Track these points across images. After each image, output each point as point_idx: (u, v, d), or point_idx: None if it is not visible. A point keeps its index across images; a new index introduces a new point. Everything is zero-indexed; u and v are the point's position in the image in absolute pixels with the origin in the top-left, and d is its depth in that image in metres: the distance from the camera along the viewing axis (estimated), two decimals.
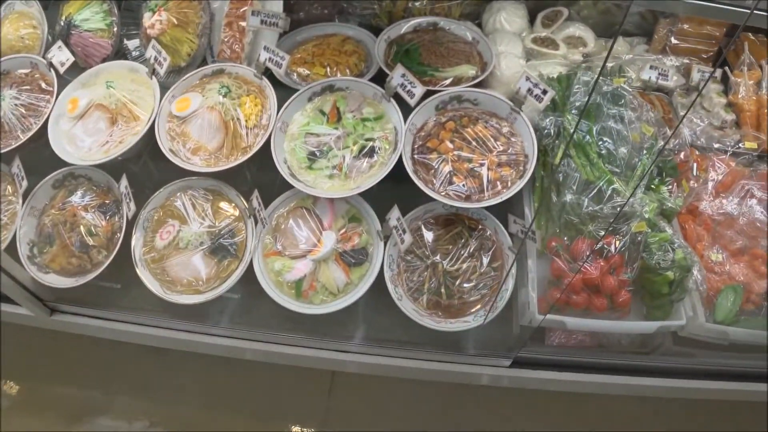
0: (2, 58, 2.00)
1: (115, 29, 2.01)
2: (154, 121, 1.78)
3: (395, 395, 2.13)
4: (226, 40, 1.92)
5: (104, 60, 2.00)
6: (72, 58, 1.89)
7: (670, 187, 1.71)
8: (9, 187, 1.93)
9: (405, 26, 1.98)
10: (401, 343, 1.79)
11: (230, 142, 1.76)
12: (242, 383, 2.17)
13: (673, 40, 2.05)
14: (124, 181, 1.75)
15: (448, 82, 1.83)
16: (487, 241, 1.75)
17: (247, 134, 1.75)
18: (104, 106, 1.83)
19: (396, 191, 1.69)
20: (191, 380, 2.22)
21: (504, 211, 1.72)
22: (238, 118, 1.76)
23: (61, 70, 1.88)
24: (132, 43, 2.09)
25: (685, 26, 2.03)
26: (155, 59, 1.82)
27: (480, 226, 1.77)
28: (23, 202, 1.88)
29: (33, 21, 2.07)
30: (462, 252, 1.73)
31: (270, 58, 1.76)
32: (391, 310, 1.69)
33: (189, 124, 1.79)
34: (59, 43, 1.91)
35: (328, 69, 1.88)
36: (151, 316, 1.88)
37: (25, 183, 1.84)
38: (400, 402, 2.12)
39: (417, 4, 1.99)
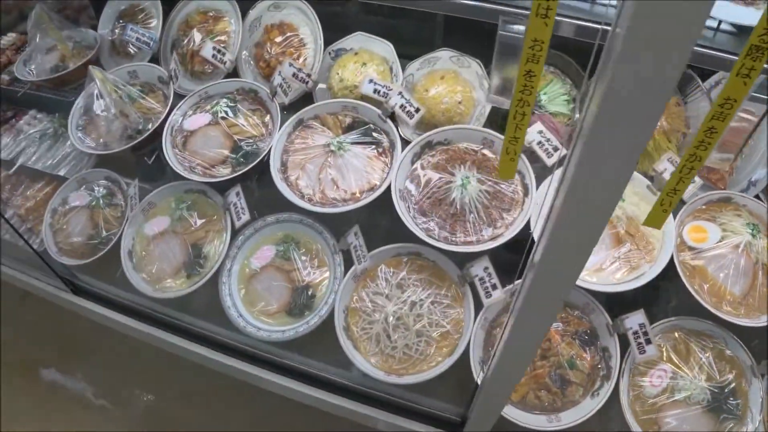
0: (450, 127, 1.67)
1: (577, 116, 1.74)
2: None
3: None
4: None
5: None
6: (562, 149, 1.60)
7: None
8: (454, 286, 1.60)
9: None
10: None
11: (756, 292, 1.53)
12: None
13: None
14: (639, 317, 1.48)
15: None
16: None
17: None
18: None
19: None
20: None
21: None
22: None
23: (549, 162, 1.59)
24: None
25: None
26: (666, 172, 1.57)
27: None
28: (477, 315, 1.56)
29: (468, 86, 1.76)
30: None
31: None
32: None
33: (706, 259, 1.55)
34: (539, 125, 1.62)
35: None
36: None
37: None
38: None
39: None
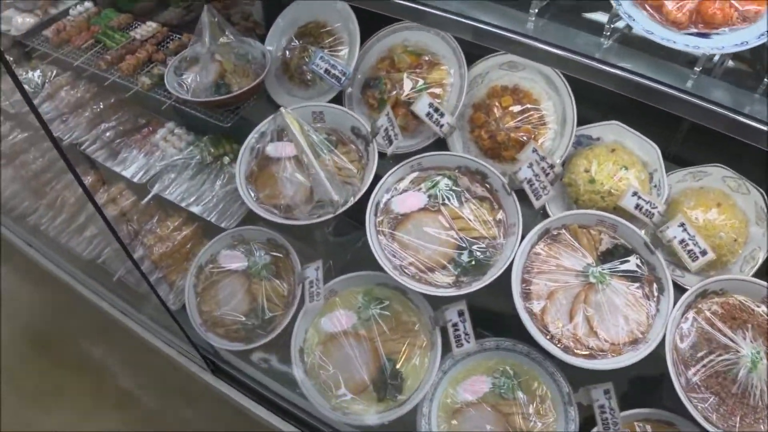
0: (730, 277, 1.38)
1: None
2: None
3: None
4: None
5: None
6: None
7: None
8: None
9: None
10: None
11: None
12: None
13: None
14: None
15: None
16: None
17: None
18: None
19: None
20: None
21: None
22: None
23: None
24: None
25: None
26: None
27: None
28: None
29: (744, 220, 1.45)
30: None
31: None
32: None
33: None
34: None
35: None
36: None
37: None
38: None
39: None
